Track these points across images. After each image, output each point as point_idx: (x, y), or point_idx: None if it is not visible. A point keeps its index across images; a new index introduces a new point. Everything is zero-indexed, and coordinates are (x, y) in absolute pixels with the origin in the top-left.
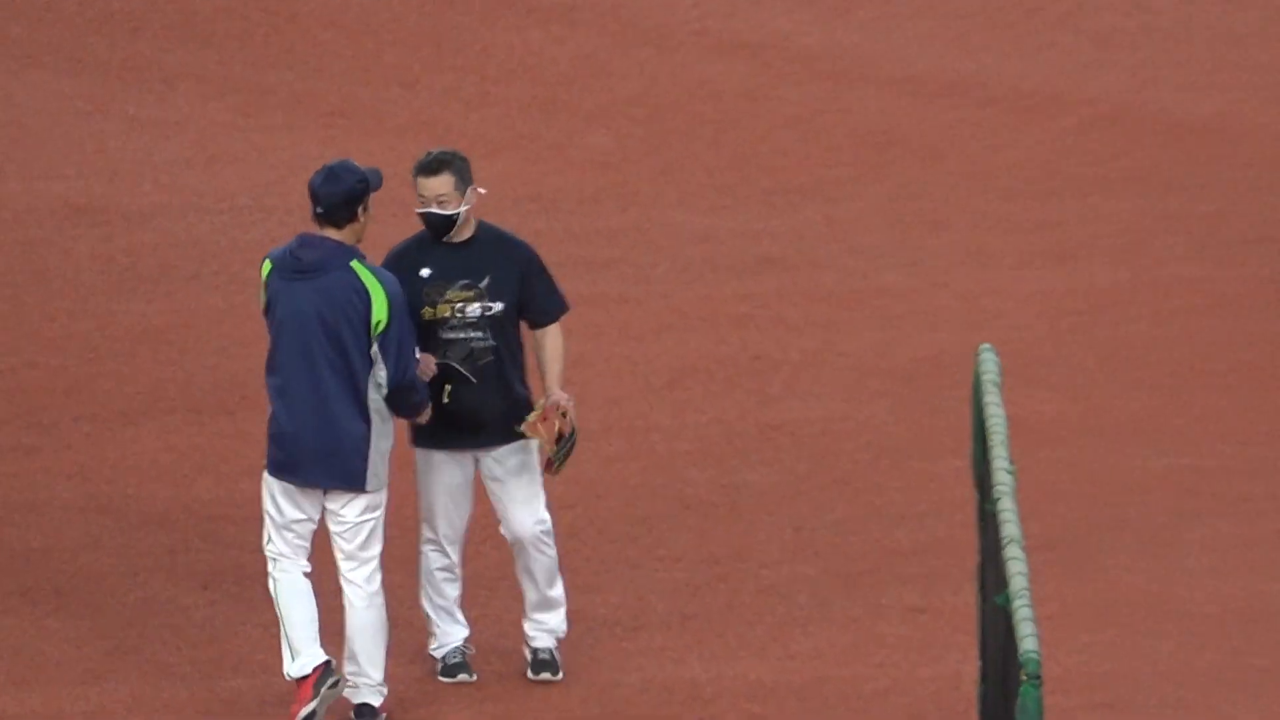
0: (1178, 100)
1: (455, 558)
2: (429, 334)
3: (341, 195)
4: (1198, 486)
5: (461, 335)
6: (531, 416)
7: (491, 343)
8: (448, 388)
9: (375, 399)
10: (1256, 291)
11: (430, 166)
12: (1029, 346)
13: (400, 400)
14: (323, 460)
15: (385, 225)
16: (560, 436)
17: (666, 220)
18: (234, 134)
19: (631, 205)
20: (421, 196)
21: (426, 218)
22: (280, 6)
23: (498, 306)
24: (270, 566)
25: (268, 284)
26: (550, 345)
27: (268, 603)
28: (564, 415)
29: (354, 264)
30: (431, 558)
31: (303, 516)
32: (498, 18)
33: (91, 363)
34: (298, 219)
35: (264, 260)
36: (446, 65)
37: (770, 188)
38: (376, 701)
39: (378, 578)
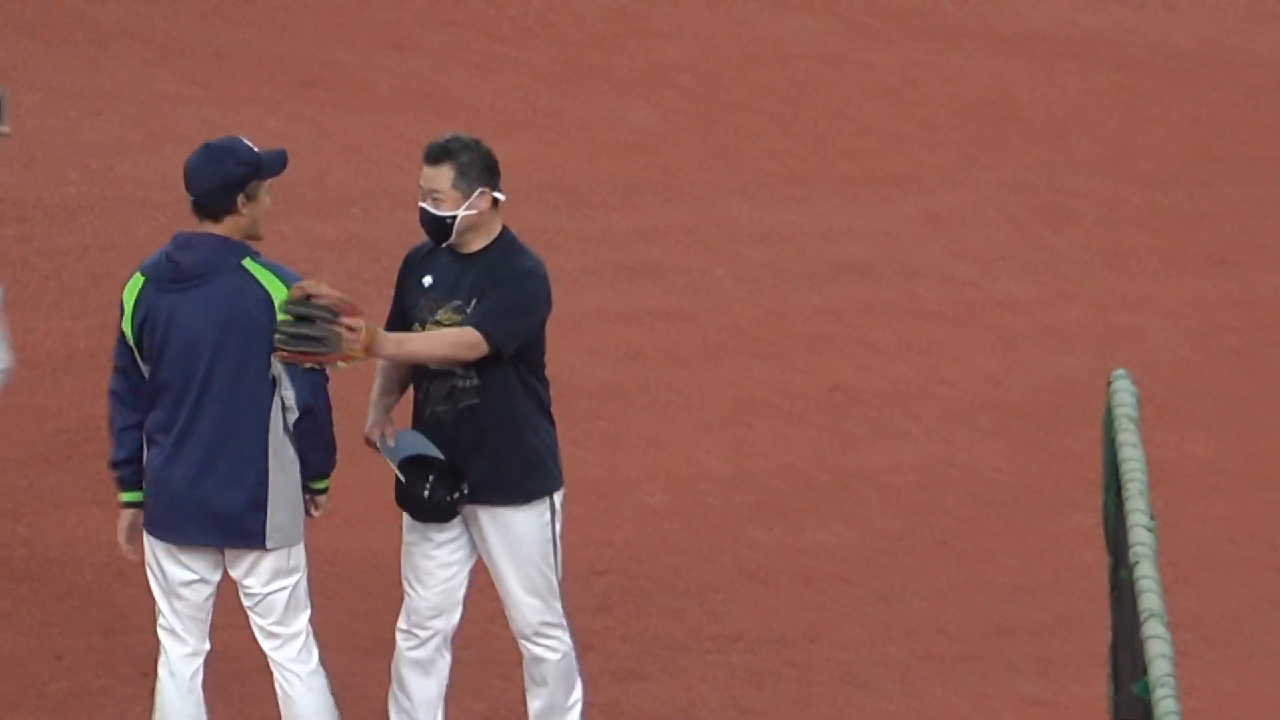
0: None
1: (433, 646)
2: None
3: (215, 180)
4: None
5: (444, 369)
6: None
7: (475, 383)
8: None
9: (277, 433)
10: None
11: (430, 154)
12: (1176, 373)
13: (308, 431)
14: (209, 514)
15: (373, 222)
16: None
17: (723, 216)
18: (183, 108)
19: (678, 197)
20: (420, 188)
21: (419, 214)
22: None
23: None
24: (160, 656)
25: (139, 302)
26: (443, 329)
27: (220, 695)
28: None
29: (246, 263)
30: (400, 642)
31: (194, 577)
32: None
33: (2, 394)
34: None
35: (133, 275)
36: (447, 21)
37: (853, 175)
38: None
39: (312, 654)
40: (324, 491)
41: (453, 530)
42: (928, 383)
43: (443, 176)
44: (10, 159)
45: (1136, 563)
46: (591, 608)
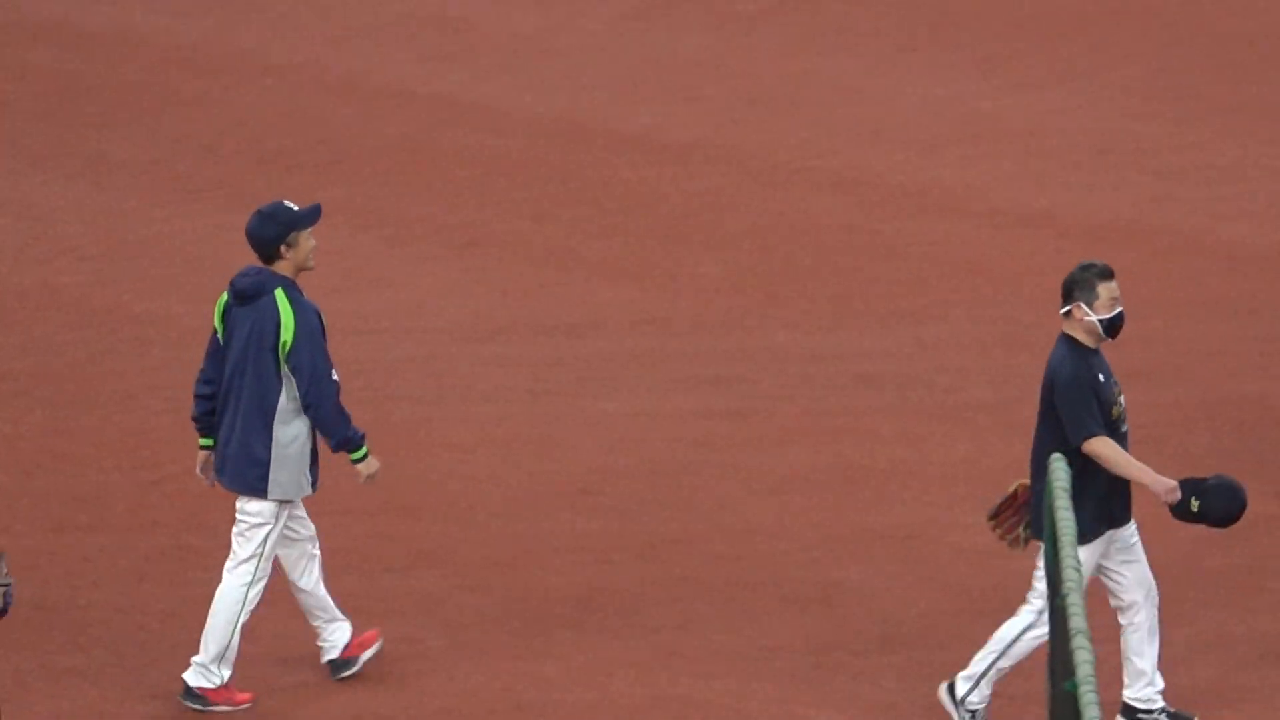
0: (1238, 232)
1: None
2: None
3: (260, 237)
4: (1261, 584)
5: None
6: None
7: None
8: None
9: (283, 414)
10: None
11: (1111, 271)
12: None
13: (314, 418)
14: (233, 466)
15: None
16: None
17: (772, 342)
18: (383, 261)
19: (739, 328)
20: (1114, 298)
21: (1119, 319)
22: (422, 147)
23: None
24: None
25: (224, 311)
26: None
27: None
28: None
29: (277, 293)
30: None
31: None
32: (622, 157)
33: None
34: (435, 340)
35: (223, 294)
36: (574, 200)
37: (866, 312)
38: (193, 681)
39: (245, 569)
40: (359, 462)
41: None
42: (919, 463)
43: None
44: None
45: (1067, 593)
46: (671, 624)
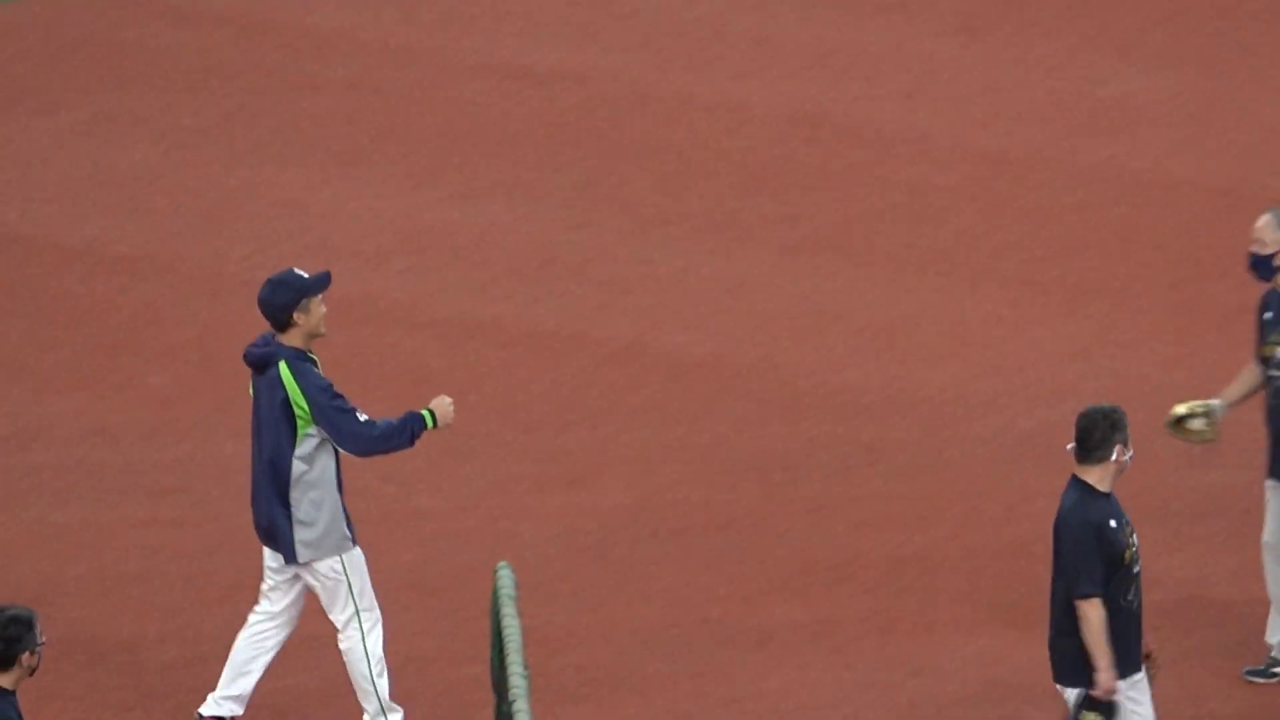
0: (679, 341)
1: None
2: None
3: (273, 305)
4: (700, 689)
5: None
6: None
7: None
8: None
9: (298, 475)
10: (749, 512)
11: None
12: (545, 563)
13: (374, 454)
14: (259, 524)
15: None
16: None
17: (219, 451)
18: None
19: (187, 438)
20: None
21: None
22: None
23: None
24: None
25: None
26: None
27: None
28: None
29: (281, 365)
30: None
31: (269, 564)
32: (70, 269)
33: None
34: None
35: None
36: (23, 311)
37: None
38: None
39: (352, 628)
40: (438, 423)
41: None
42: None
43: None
44: None
45: (514, 700)
46: None
